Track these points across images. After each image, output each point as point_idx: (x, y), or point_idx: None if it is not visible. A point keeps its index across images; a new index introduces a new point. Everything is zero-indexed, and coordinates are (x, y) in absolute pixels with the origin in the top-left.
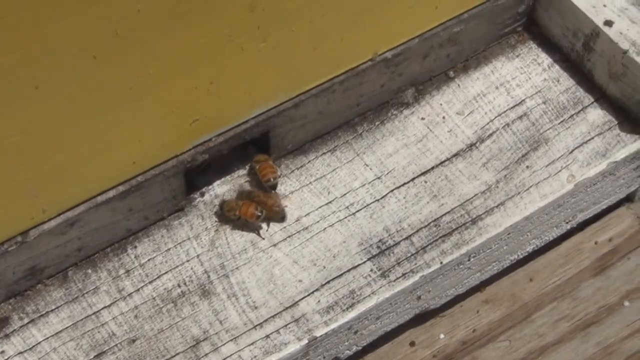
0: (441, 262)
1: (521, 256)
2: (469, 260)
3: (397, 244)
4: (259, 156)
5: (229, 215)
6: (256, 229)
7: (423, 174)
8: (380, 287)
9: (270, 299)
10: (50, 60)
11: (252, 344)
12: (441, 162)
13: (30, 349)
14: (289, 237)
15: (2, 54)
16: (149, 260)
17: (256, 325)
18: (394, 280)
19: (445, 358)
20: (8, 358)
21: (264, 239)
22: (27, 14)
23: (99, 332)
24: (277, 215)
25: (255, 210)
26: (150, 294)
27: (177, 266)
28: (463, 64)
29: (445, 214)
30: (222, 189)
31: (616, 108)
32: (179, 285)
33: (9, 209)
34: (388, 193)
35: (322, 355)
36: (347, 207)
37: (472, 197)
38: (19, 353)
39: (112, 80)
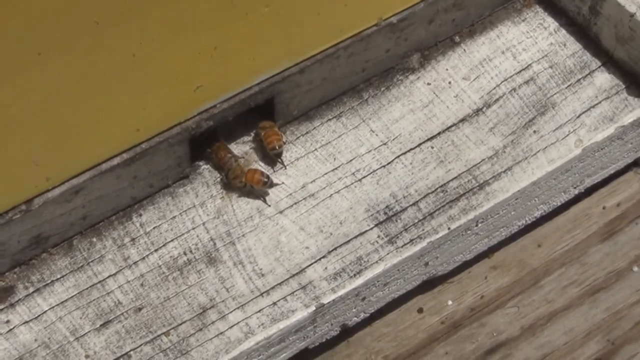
0: (449, 228)
1: (529, 222)
2: (476, 225)
3: (404, 210)
4: (264, 122)
5: (235, 183)
6: (262, 196)
7: (429, 139)
8: (388, 254)
9: (277, 266)
10: (53, 25)
11: (259, 311)
12: (448, 128)
13: (36, 318)
14: (295, 203)
15: (5, 19)
16: (154, 228)
17: (263, 293)
18: (402, 247)
19: (454, 324)
20: (14, 327)
21: (269, 205)
22: None
23: (104, 300)
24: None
25: (262, 177)
26: (156, 262)
27: (183, 234)
28: (469, 28)
29: (452, 180)
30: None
31: (623, 72)
32: (184, 253)
33: (12, 178)
34: (394, 159)
35: (330, 322)
36: (354, 174)
37: (479, 163)
38: (24, 322)
39: (115, 46)
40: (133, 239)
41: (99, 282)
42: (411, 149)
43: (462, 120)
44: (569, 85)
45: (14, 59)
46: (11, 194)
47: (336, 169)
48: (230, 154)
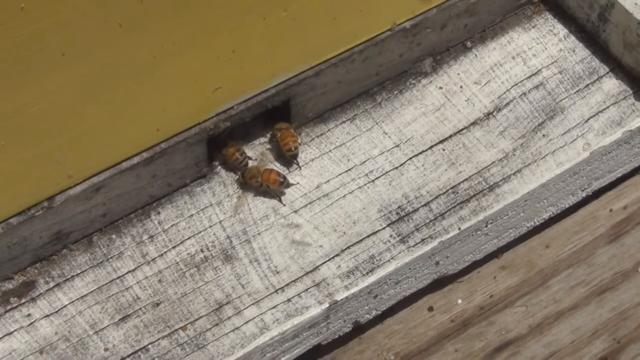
0: (459, 228)
1: (538, 223)
2: (486, 226)
3: (415, 210)
4: (281, 124)
5: (251, 182)
6: (278, 196)
7: (441, 142)
8: (400, 253)
9: (292, 263)
10: (78, 27)
11: (274, 307)
12: (459, 131)
13: (56, 312)
14: (309, 203)
15: (31, 21)
16: (172, 225)
17: (278, 289)
18: (413, 246)
19: (463, 323)
20: (34, 321)
21: (285, 205)
22: None
23: (123, 295)
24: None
25: (278, 177)
26: (173, 258)
27: (200, 232)
28: (480, 34)
29: (463, 181)
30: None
31: (631, 78)
32: (201, 250)
33: (35, 175)
34: (407, 161)
35: (343, 319)
36: (367, 175)
37: (489, 165)
38: (45, 316)
39: (137, 48)
40: (151, 236)
41: (118, 277)
42: (423, 151)
43: (473, 123)
44: (577, 91)
45: (40, 59)
46: (34, 191)
47: (350, 170)
48: (242, 155)
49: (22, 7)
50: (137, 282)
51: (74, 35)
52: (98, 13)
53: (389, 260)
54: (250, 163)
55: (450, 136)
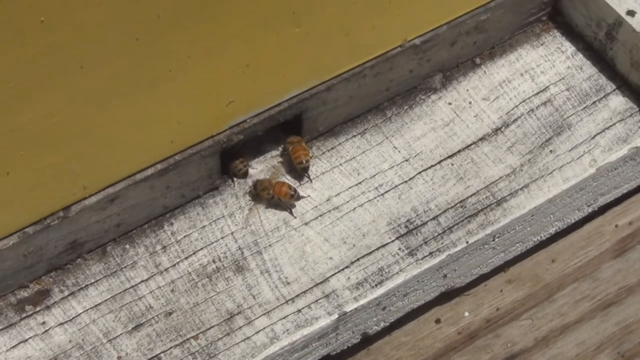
0: (467, 242)
1: (544, 237)
2: (493, 240)
3: (424, 223)
4: (292, 137)
5: (263, 195)
6: (289, 208)
7: (450, 156)
8: (408, 265)
9: (302, 275)
10: (96, 41)
11: (284, 317)
12: (467, 146)
13: (71, 320)
14: (320, 216)
15: (50, 34)
16: (185, 236)
17: (288, 300)
18: (422, 259)
19: (470, 335)
20: (49, 329)
21: (296, 217)
22: None
23: (136, 305)
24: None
25: (289, 189)
26: (186, 269)
27: (212, 243)
28: (489, 51)
29: (471, 196)
30: (256, 169)
31: (637, 95)
32: (213, 261)
33: (52, 185)
34: (416, 175)
35: (352, 330)
36: (377, 188)
37: (497, 180)
38: (59, 324)
39: (153, 61)
40: (164, 247)
41: (132, 287)
42: (432, 166)
43: (482, 139)
44: (584, 107)
45: (58, 71)
46: (50, 201)
47: (360, 183)
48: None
49: (42, 20)
50: (150, 292)
51: (92, 49)
52: (116, 27)
53: (397, 273)
54: (251, 172)
55: (459, 151)
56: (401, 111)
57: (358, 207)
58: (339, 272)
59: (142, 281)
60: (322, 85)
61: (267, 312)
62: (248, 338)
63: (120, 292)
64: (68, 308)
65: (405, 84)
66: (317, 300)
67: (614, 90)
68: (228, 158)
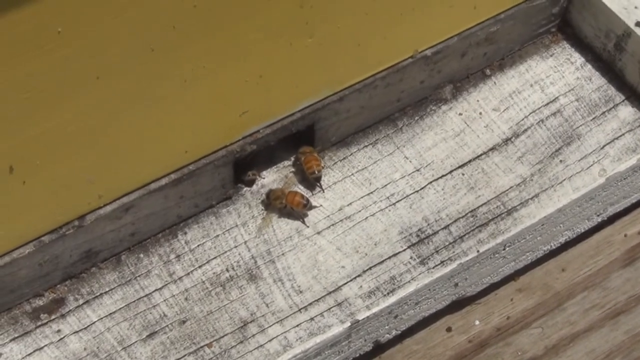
0: (478, 251)
1: (554, 247)
2: (504, 249)
3: (435, 233)
4: (304, 147)
5: (276, 204)
6: (301, 217)
7: (461, 166)
8: (420, 274)
9: (315, 283)
10: (112, 52)
11: (297, 325)
12: (478, 156)
13: (85, 328)
14: (332, 225)
15: (67, 45)
16: (198, 245)
17: (301, 309)
18: (433, 268)
19: (480, 343)
20: (64, 337)
21: (308, 226)
22: (90, 9)
23: (150, 313)
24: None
25: (301, 199)
26: (199, 277)
27: (226, 252)
28: (499, 62)
29: (481, 205)
30: (269, 178)
31: None
32: (227, 270)
33: (67, 194)
34: (427, 185)
35: (364, 338)
36: (388, 198)
37: (507, 189)
38: (74, 332)
39: (168, 72)
40: (178, 256)
41: (146, 295)
42: (443, 176)
43: (492, 149)
44: (594, 118)
45: (75, 81)
46: (65, 210)
47: (371, 193)
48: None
49: (59, 32)
50: (164, 300)
51: (108, 60)
52: (132, 38)
53: (409, 282)
54: (264, 182)
55: (470, 161)
56: (412, 122)
57: (370, 216)
58: (351, 280)
59: (156, 290)
60: (335, 96)
61: (280, 320)
62: (261, 346)
63: (134, 301)
64: (83, 316)
65: (416, 95)
66: (329, 309)
67: (623, 100)
68: (241, 168)
